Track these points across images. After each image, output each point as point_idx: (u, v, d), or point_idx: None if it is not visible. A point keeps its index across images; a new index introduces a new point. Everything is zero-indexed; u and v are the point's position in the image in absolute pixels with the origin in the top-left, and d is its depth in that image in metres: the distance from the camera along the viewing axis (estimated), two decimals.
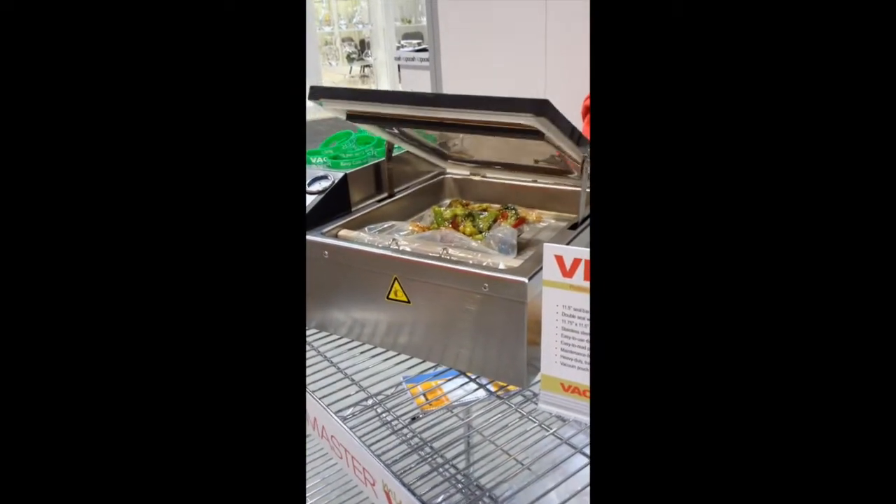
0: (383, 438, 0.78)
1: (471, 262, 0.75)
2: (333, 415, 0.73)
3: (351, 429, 0.77)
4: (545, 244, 0.65)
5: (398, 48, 5.50)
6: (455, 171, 1.10)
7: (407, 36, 5.64)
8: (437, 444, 0.81)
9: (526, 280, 0.68)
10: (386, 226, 0.90)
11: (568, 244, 0.79)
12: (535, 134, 0.75)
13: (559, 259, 0.66)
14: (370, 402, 0.83)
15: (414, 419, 1.16)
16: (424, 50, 3.62)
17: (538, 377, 0.71)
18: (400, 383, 1.17)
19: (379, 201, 0.98)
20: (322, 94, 0.83)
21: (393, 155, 1.00)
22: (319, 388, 0.82)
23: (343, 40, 5.84)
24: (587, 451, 0.69)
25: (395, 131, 0.96)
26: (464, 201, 1.03)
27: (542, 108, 0.68)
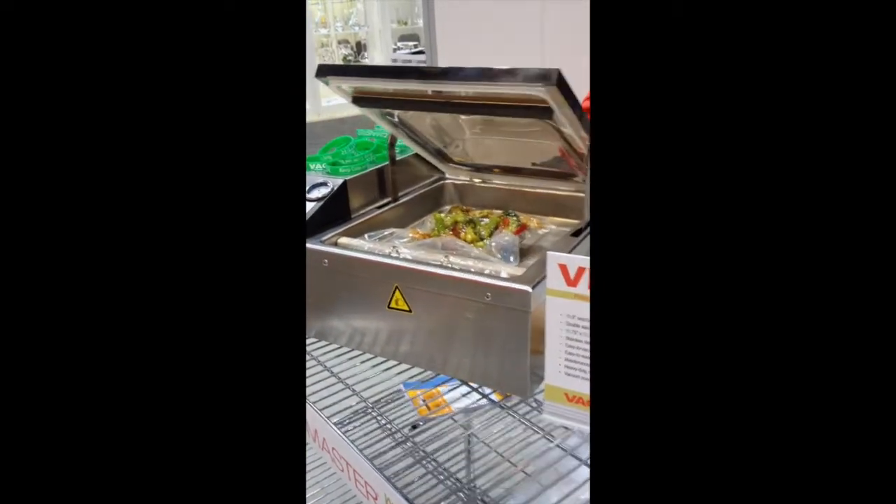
0: (385, 448, 0.77)
1: (473, 270, 0.74)
2: (334, 426, 0.71)
3: (351, 436, 0.76)
4: (549, 252, 0.64)
5: (395, 50, 5.48)
6: (455, 177, 1.09)
7: (403, 38, 5.63)
8: (437, 452, 0.80)
9: (529, 289, 0.67)
10: (386, 233, 0.89)
11: (571, 251, 0.78)
12: (543, 112, 0.73)
13: (563, 268, 0.65)
14: (370, 408, 0.82)
15: (414, 426, 1.15)
16: (421, 52, 3.62)
17: (542, 386, 0.70)
18: (400, 390, 1.16)
19: (379, 207, 0.97)
20: (329, 71, 0.82)
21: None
22: (320, 399, 0.80)
23: (339, 42, 5.82)
24: None
25: (397, 120, 0.95)
26: (464, 207, 1.02)
27: (551, 77, 0.67)
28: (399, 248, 0.80)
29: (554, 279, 0.65)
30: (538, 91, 0.69)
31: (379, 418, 0.81)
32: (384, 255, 0.78)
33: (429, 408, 1.16)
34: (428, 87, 0.81)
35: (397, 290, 0.76)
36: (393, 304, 0.76)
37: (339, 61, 5.58)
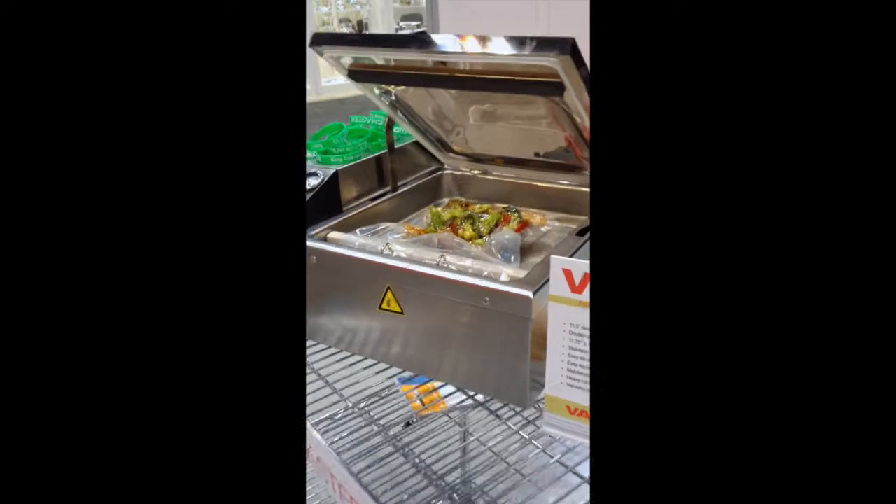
0: (381, 458, 0.73)
1: (470, 270, 0.69)
2: (320, 436, 0.67)
3: (341, 434, 0.72)
4: (552, 256, 0.59)
5: (397, 30, 5.40)
6: (454, 167, 1.04)
7: (406, 17, 5.53)
8: (432, 458, 0.76)
9: (531, 294, 0.62)
10: (380, 227, 0.84)
11: (575, 252, 0.73)
12: (553, 88, 0.68)
13: (567, 273, 0.60)
14: (360, 410, 0.78)
15: (408, 423, 1.11)
16: (423, 32, 3.53)
17: (542, 394, 0.66)
18: (394, 384, 1.12)
19: (373, 199, 0.91)
20: (324, 40, 0.77)
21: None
22: (308, 405, 0.76)
23: (340, 21, 5.72)
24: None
25: (395, 99, 0.90)
26: (463, 201, 0.97)
27: (565, 46, 0.61)
28: (392, 245, 0.75)
29: (557, 285, 0.60)
30: (549, 61, 0.63)
31: (373, 426, 0.77)
32: (376, 253, 0.73)
33: (423, 404, 1.12)
34: (429, 58, 0.76)
35: (389, 291, 0.71)
36: (384, 306, 0.72)
37: None
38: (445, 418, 1.19)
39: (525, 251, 0.82)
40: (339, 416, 0.78)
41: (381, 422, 0.84)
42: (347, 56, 0.82)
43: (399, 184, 0.97)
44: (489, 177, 1.01)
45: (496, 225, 0.84)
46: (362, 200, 0.91)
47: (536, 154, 0.95)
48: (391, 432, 0.77)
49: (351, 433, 0.75)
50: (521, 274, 0.67)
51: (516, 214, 0.87)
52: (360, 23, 5.78)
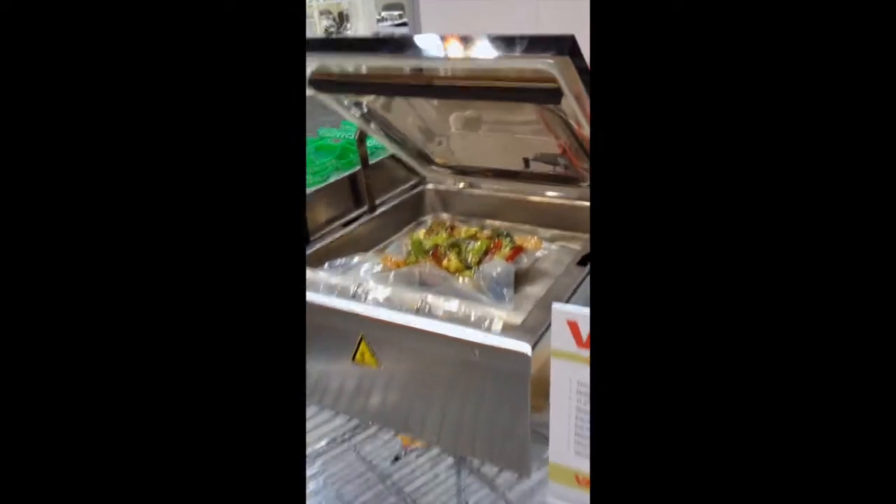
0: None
1: (457, 316, 0.59)
2: None
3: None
4: (554, 306, 0.50)
5: (378, 21, 5.28)
6: (437, 182, 0.94)
7: (388, 7, 5.40)
8: (422, 490, 0.68)
9: (529, 351, 0.53)
10: (353, 261, 0.74)
11: (577, 289, 0.63)
12: (549, 96, 0.59)
13: (572, 325, 0.51)
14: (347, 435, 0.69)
15: (396, 458, 1.02)
16: (404, 24, 3.43)
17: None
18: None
19: (345, 224, 0.81)
20: None
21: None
22: None
23: (321, 13, 5.59)
24: None
25: (367, 110, 0.80)
26: (448, 223, 0.86)
27: (563, 45, 0.52)
28: (367, 285, 0.64)
29: (560, 338, 0.51)
30: (545, 64, 0.54)
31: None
32: (347, 298, 0.62)
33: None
34: (405, 64, 0.66)
35: (363, 342, 0.61)
36: (358, 358, 0.62)
37: (320, 34, 5.34)
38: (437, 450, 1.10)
39: (519, 279, 0.72)
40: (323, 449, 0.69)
41: (369, 458, 0.75)
42: (312, 62, 0.71)
43: (377, 202, 0.86)
44: (476, 191, 0.92)
45: (485, 253, 0.74)
46: (334, 226, 0.80)
47: (527, 164, 0.86)
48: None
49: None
50: (517, 317, 0.58)
51: (507, 239, 0.77)
52: (340, 14, 5.65)
